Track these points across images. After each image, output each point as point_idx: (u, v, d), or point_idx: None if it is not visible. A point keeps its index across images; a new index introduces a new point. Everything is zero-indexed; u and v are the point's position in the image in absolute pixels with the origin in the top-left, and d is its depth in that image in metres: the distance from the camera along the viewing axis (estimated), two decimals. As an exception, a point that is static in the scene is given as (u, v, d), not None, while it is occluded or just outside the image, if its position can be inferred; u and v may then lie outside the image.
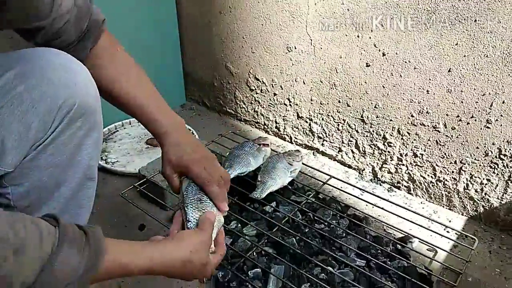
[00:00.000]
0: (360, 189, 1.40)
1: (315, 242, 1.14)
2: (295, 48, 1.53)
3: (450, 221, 1.33)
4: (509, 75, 1.10)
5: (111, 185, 1.46)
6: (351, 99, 1.46)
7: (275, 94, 1.70)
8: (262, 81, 1.71)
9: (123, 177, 1.49)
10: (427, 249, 1.17)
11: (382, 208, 1.25)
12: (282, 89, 1.66)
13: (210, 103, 2.02)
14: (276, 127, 1.77)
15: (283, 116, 1.72)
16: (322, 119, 1.58)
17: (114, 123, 1.78)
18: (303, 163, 1.38)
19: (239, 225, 1.23)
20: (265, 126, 1.81)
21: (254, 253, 1.14)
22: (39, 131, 0.68)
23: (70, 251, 0.50)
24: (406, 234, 1.19)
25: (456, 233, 1.25)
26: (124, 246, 0.60)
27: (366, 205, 1.33)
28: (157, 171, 1.33)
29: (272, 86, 1.69)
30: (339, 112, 1.52)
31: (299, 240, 1.17)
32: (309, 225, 1.20)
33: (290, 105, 1.66)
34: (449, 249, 1.17)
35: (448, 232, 1.26)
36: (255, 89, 1.76)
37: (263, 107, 1.78)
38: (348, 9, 1.33)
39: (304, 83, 1.57)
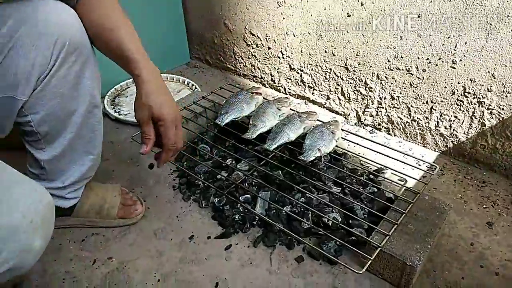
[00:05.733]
0: (345, 131, 1.55)
1: (298, 174, 1.32)
2: (285, 2, 1.65)
3: (422, 156, 1.48)
4: (470, 18, 1.22)
5: (124, 133, 1.65)
6: (335, 48, 1.59)
7: (269, 48, 1.84)
8: (257, 36, 1.85)
9: (134, 126, 1.68)
10: (398, 179, 1.33)
11: (363, 146, 1.38)
12: (275, 42, 1.80)
13: (212, 60, 2.17)
14: (271, 79, 1.92)
15: (277, 69, 1.86)
16: (312, 69, 1.73)
17: (126, 81, 1.96)
18: (291, 109, 1.54)
19: (234, 161, 1.42)
20: (262, 79, 1.97)
21: (246, 184, 1.32)
22: (42, 65, 0.86)
23: None
24: (380, 166, 1.35)
25: (426, 166, 1.41)
26: None
27: (348, 145, 1.49)
28: (162, 118, 1.51)
29: (266, 40, 1.83)
30: (326, 61, 1.65)
31: (285, 173, 1.35)
32: (294, 160, 1.37)
33: (283, 57, 1.80)
34: (417, 178, 1.32)
35: (419, 165, 1.41)
36: (251, 44, 1.90)
37: (259, 61, 1.92)
38: (329, -36, 1.44)
39: (294, 36, 1.70)
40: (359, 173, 1.36)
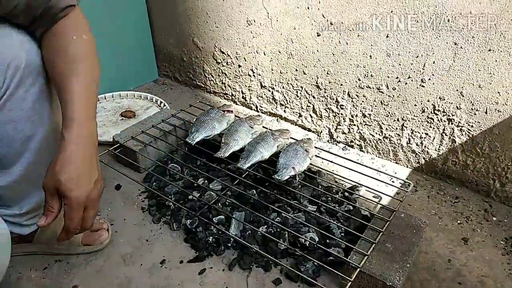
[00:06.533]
0: (318, 148, 1.54)
1: (273, 193, 1.29)
2: (254, 21, 1.65)
3: (395, 173, 1.49)
4: (437, 37, 1.25)
5: (88, 153, 1.57)
6: (306, 67, 1.59)
7: (239, 66, 1.82)
8: (227, 54, 1.83)
9: (100, 145, 1.60)
10: (373, 196, 1.32)
11: (336, 164, 1.38)
12: (245, 60, 1.78)
13: (181, 78, 2.14)
14: (242, 97, 1.90)
15: (248, 86, 1.85)
16: (283, 87, 1.72)
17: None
18: (263, 127, 1.52)
19: (206, 181, 1.37)
20: (233, 97, 1.94)
21: (219, 204, 1.28)
22: None
23: None
24: (355, 184, 1.34)
25: (400, 182, 1.41)
26: None
27: (322, 162, 1.47)
28: (129, 137, 1.45)
29: (237, 58, 1.81)
30: (297, 80, 1.65)
31: (259, 192, 1.31)
32: (268, 178, 1.34)
33: (254, 75, 1.79)
34: (391, 195, 1.33)
35: (393, 182, 1.42)
36: (221, 62, 1.88)
37: (229, 79, 1.90)
38: (299, -17, 1.45)
39: (264, 54, 1.70)
40: (334, 191, 1.35)
